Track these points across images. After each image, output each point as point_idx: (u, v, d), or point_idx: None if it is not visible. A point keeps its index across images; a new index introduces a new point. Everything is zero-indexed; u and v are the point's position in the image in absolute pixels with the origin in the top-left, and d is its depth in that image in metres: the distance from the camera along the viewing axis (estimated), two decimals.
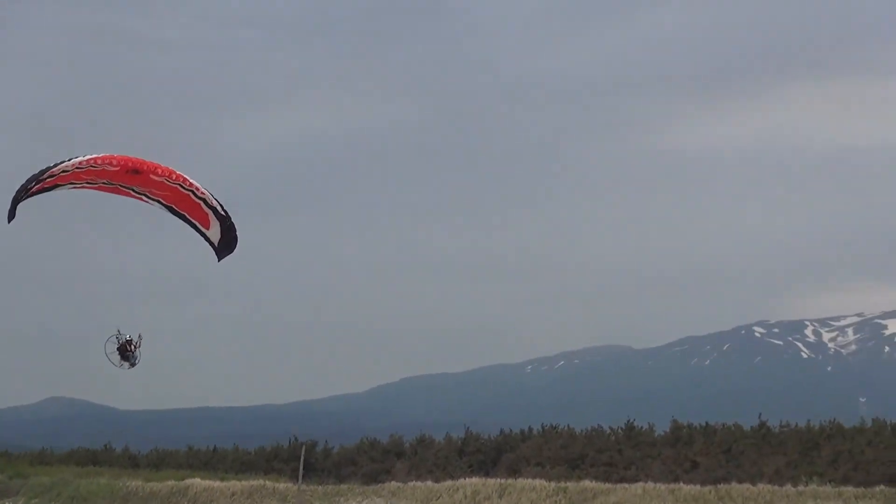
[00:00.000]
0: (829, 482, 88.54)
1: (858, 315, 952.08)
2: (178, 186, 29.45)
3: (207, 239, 31.09)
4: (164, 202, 30.22)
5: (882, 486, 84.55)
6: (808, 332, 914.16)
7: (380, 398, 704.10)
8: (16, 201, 28.33)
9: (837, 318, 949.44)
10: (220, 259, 31.79)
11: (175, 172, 29.21)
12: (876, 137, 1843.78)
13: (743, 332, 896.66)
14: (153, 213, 31.01)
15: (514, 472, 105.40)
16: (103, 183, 29.35)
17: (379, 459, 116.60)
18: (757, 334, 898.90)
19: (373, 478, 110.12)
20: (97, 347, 30.89)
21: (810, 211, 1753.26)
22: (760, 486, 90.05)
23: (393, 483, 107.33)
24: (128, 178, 28.91)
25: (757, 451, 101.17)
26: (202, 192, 29.72)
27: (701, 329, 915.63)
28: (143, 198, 30.12)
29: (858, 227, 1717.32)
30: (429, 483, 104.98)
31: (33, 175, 27.94)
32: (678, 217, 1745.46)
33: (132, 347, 31.28)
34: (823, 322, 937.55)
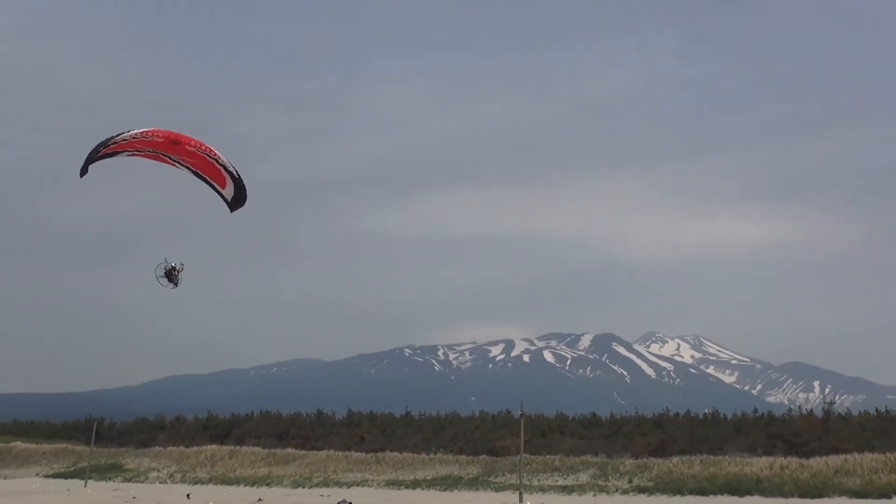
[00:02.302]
0: (450, 452, 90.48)
1: (472, 343, 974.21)
2: (206, 156, 28.24)
3: (223, 196, 29.67)
4: (191, 168, 28.84)
5: (484, 455, 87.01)
6: (440, 353, 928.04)
7: (150, 389, 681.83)
8: (88, 161, 26.69)
9: (459, 345, 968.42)
10: (232, 210, 30.11)
11: (204, 145, 28.08)
12: (491, 229, 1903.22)
13: (397, 351, 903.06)
14: None
15: (240, 441, 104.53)
16: (149, 151, 27.90)
17: (148, 431, 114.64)
18: (406, 353, 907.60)
19: (143, 444, 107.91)
20: None
21: (445, 275, 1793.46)
22: (405, 453, 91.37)
23: (157, 448, 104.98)
24: (169, 147, 27.72)
25: (404, 430, 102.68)
26: (223, 161, 28.54)
27: (369, 349, 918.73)
28: (177, 165, 28.69)
29: (475, 286, 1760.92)
30: (181, 448, 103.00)
31: (102, 141, 26.65)
32: (360, 273, 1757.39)
33: (176, 272, 29.59)
34: (450, 347, 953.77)
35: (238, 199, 29.92)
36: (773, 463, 72.74)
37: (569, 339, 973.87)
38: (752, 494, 66.72)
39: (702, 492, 68.91)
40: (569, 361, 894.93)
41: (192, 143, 28.05)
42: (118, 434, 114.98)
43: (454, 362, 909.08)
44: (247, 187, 29.82)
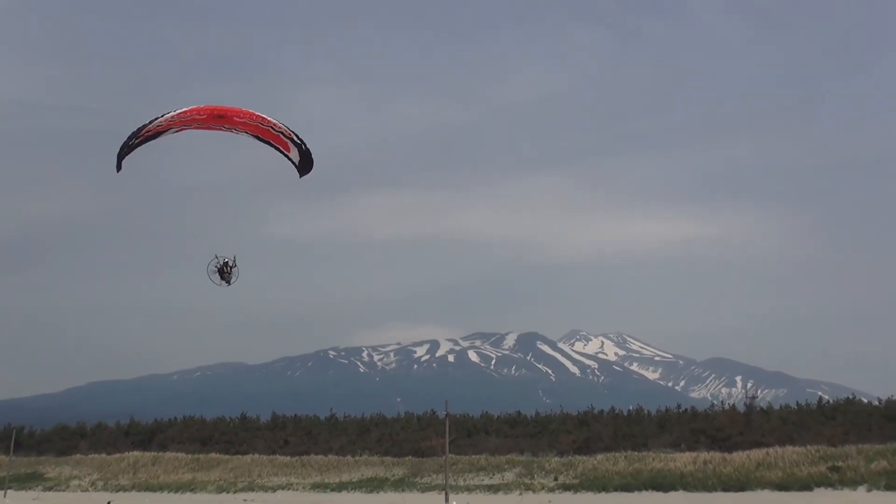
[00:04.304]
0: (376, 454, 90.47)
1: (398, 344, 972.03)
2: (258, 124, 26.86)
3: (290, 159, 28.14)
4: (249, 133, 27.27)
5: (410, 456, 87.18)
6: (364, 355, 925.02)
7: (71, 396, 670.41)
8: (120, 157, 25.32)
9: (384, 346, 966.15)
10: (301, 176, 28.61)
11: (255, 114, 26.62)
12: (413, 230, 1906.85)
13: (321, 354, 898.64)
14: None
15: (163, 447, 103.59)
16: (196, 126, 26.36)
17: (68, 439, 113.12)
18: (331, 356, 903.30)
19: (64, 452, 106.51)
20: None
21: (369, 276, 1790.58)
22: (331, 456, 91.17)
23: (78, 455, 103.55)
24: (215, 121, 26.26)
25: (329, 433, 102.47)
26: (279, 127, 27.09)
27: (294, 351, 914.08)
28: (232, 132, 27.05)
29: (399, 287, 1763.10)
30: (103, 455, 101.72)
31: (133, 132, 25.13)
32: (284, 276, 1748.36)
33: (228, 269, 28.16)
34: (374, 348, 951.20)
35: (305, 164, 28.54)
36: (697, 458, 74.01)
37: (493, 339, 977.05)
38: (676, 489, 67.81)
39: (626, 488, 69.81)
40: (493, 361, 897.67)
41: (242, 113, 26.70)
42: (38, 442, 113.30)
43: (379, 364, 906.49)
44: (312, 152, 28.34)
